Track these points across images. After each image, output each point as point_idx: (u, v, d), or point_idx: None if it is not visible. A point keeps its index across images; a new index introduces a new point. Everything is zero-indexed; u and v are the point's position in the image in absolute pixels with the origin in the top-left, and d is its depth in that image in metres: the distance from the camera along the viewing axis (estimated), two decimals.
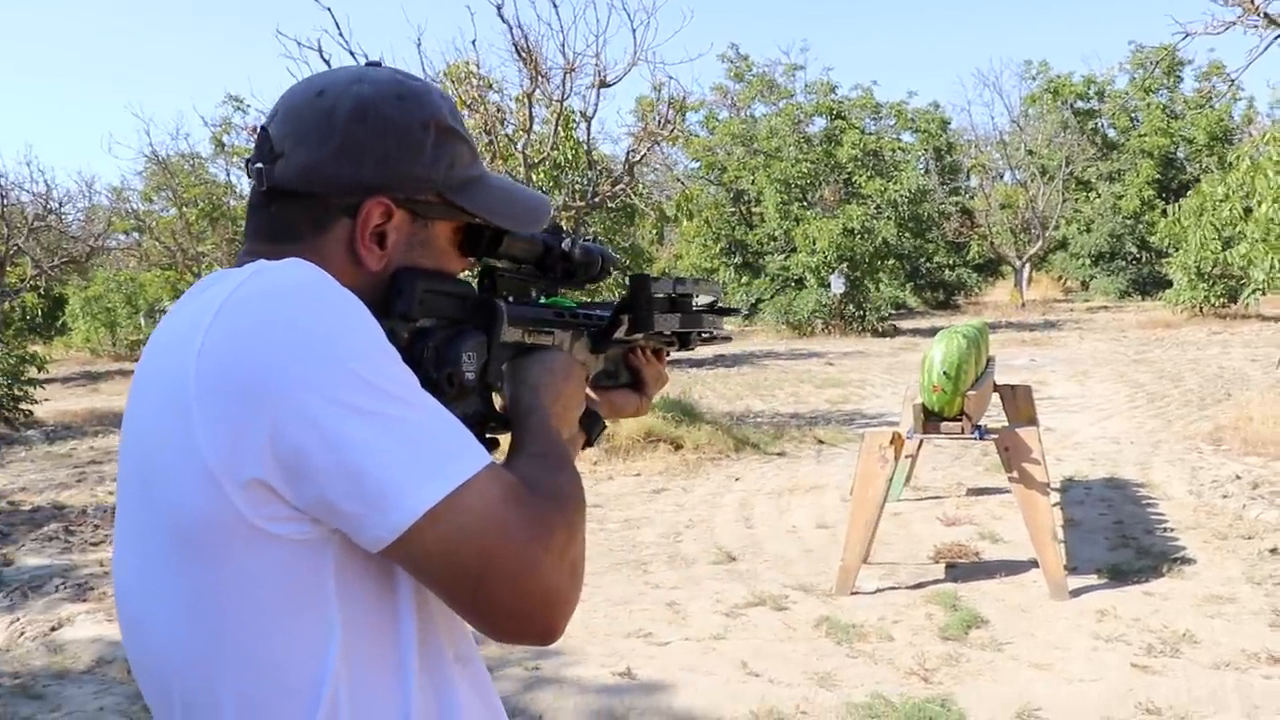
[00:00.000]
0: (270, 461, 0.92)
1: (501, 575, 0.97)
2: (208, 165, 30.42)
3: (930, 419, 5.93)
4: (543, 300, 1.35)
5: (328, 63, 10.18)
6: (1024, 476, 5.75)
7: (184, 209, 26.49)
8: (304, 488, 0.93)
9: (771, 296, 28.80)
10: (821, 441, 11.28)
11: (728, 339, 1.68)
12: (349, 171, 1.10)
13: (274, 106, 1.15)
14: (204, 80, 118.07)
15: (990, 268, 40.12)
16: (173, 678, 1.02)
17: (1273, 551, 6.48)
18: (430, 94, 1.17)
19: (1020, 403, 7.78)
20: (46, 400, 16.82)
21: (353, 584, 1.00)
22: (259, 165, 1.12)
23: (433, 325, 1.12)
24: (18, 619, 6.06)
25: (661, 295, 1.43)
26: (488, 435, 1.13)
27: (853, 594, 5.90)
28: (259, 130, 1.14)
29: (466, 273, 1.25)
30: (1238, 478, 8.47)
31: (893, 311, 29.17)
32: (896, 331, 27.39)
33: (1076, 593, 5.74)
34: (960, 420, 5.90)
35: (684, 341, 1.60)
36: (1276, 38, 10.26)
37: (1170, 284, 26.70)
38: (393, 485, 0.93)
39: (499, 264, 1.27)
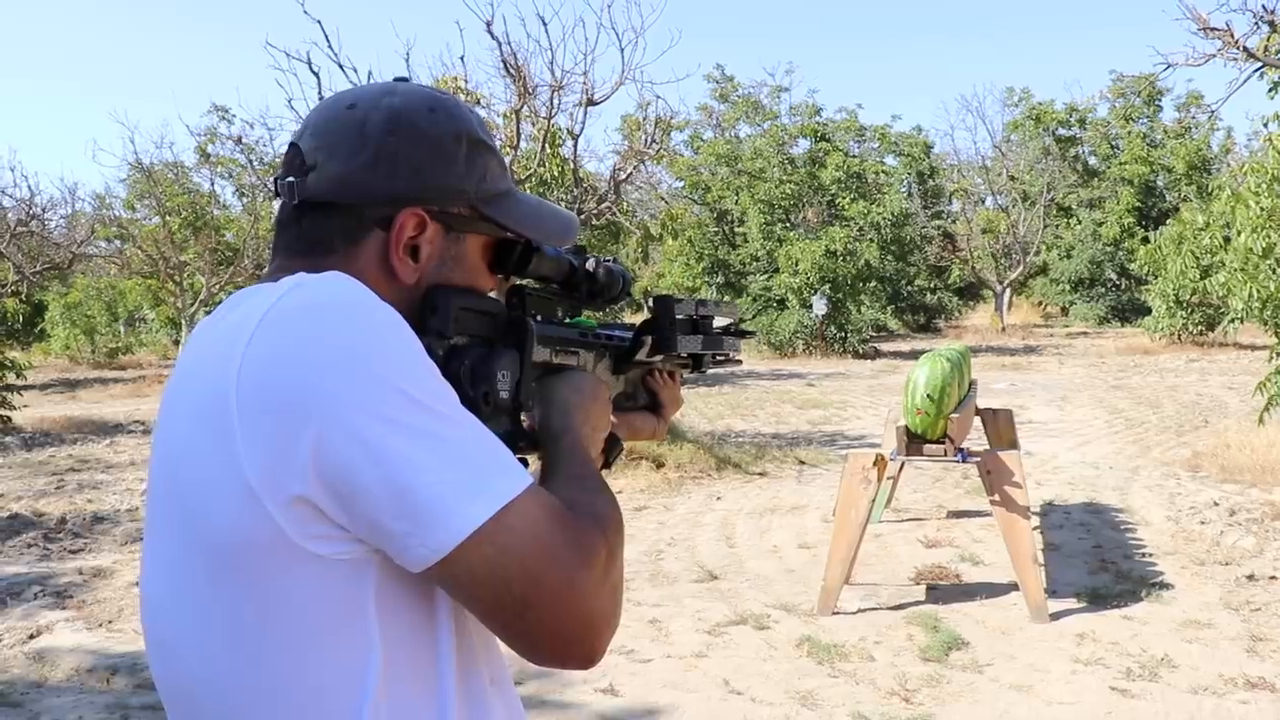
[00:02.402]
0: (314, 478, 0.91)
1: (546, 597, 0.95)
2: (191, 174, 30.42)
3: (913, 441, 5.96)
4: (566, 320, 1.36)
5: (316, 75, 10.21)
6: (1005, 500, 5.79)
7: (167, 218, 26.44)
8: (348, 505, 0.92)
9: (754, 317, 28.91)
10: (803, 462, 11.31)
11: (739, 363, 1.65)
12: (382, 182, 1.09)
13: (304, 122, 1.15)
14: (190, 89, 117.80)
15: (971, 292, 40.41)
16: (206, 702, 1.00)
17: (1249, 578, 6.54)
18: (460, 107, 1.17)
19: (1001, 427, 7.83)
20: (25, 407, 16.70)
21: (393, 605, 0.98)
22: (290, 179, 1.10)
23: (468, 343, 1.12)
24: None
25: (684, 317, 1.43)
26: (517, 455, 1.07)
27: (834, 614, 5.92)
28: (289, 147, 1.13)
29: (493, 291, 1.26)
30: (1215, 504, 8.54)
31: (874, 334, 29.32)
32: (878, 354, 27.52)
33: (1056, 616, 5.78)
34: (943, 443, 5.93)
35: (697, 363, 1.56)
36: (1256, 71, 10.40)
37: (1149, 311, 26.91)
38: (440, 504, 0.91)
39: (526, 283, 1.25)
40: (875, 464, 5.97)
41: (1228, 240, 9.51)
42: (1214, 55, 9.98)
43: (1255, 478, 9.51)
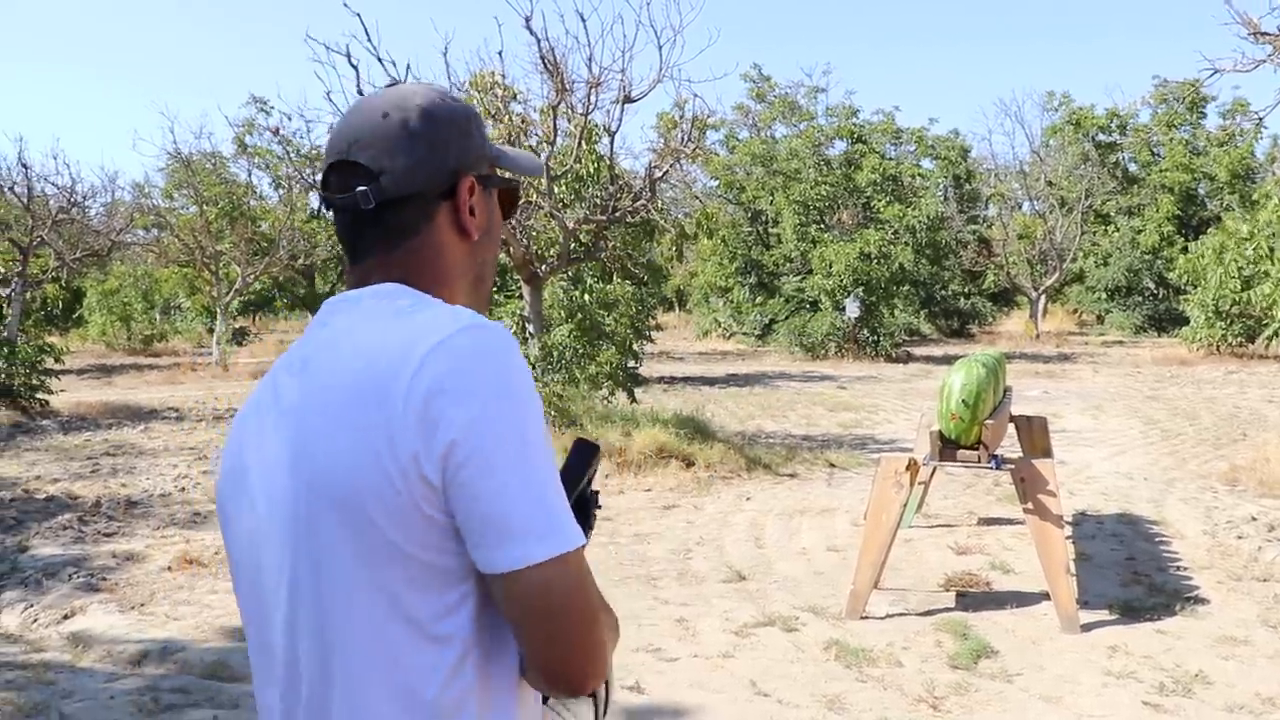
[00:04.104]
0: (440, 470, 1.16)
1: (574, 628, 1.19)
2: (229, 165, 30.63)
3: (947, 447, 5.92)
4: None
5: (355, 68, 10.26)
6: (1039, 508, 5.74)
7: (204, 207, 26.64)
8: (455, 498, 1.16)
9: (786, 318, 28.83)
10: (833, 465, 11.26)
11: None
12: (440, 162, 1.35)
13: (336, 145, 1.36)
14: (229, 81, 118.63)
15: (1005, 298, 40.10)
16: (325, 628, 1.22)
17: None
18: (453, 94, 1.44)
19: (1036, 434, 7.76)
20: (62, 391, 16.89)
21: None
22: (362, 189, 1.31)
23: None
24: (31, 606, 6.09)
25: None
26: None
27: (863, 618, 5.89)
28: (338, 165, 1.35)
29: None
30: (1254, 519, 8.43)
31: (906, 338, 29.16)
32: (910, 358, 27.35)
33: (1088, 627, 5.72)
34: (977, 449, 5.89)
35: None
36: None
37: (1187, 321, 26.58)
38: (521, 528, 1.15)
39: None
40: (908, 468, 5.94)
41: (1273, 251, 9.37)
42: (1264, 61, 9.81)
43: None
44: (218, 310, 26.08)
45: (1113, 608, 6.07)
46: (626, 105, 11.73)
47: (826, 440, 13.16)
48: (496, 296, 20.96)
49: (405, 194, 1.33)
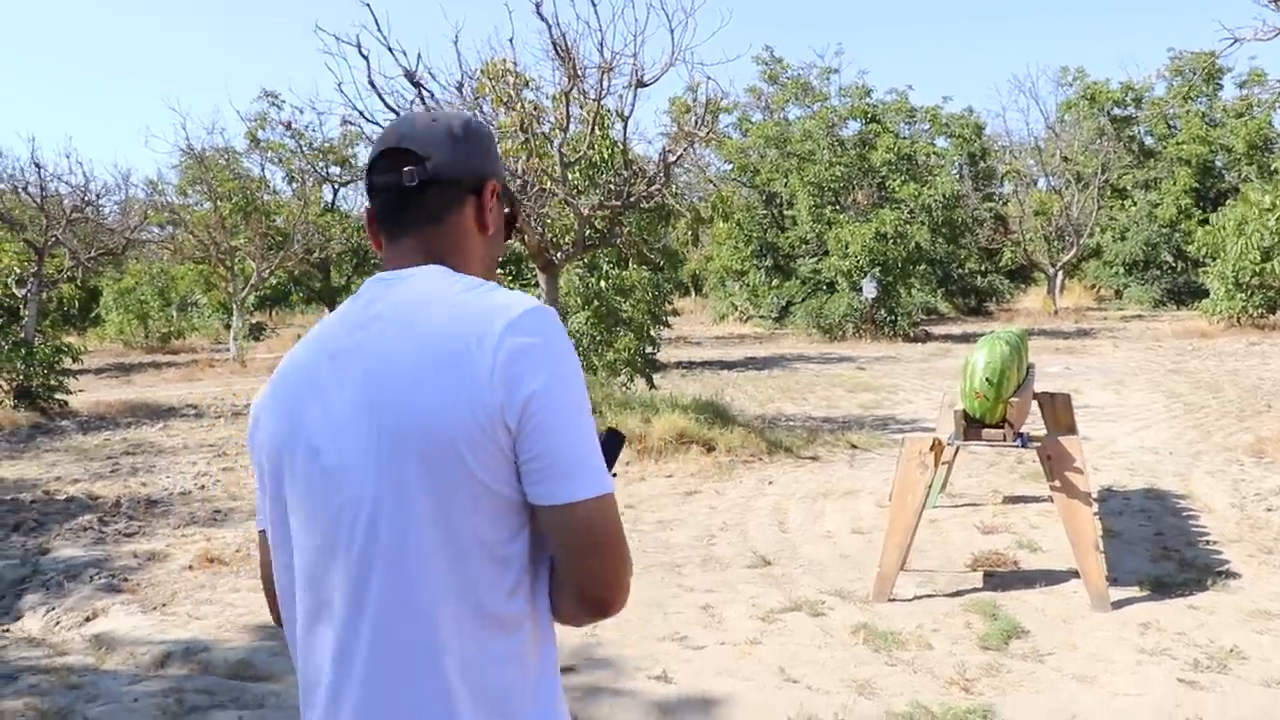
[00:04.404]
0: (518, 418, 1.41)
1: (611, 554, 1.46)
2: (242, 160, 30.66)
3: (971, 426, 5.84)
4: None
5: (366, 58, 10.18)
6: (1066, 486, 5.66)
7: (218, 203, 26.65)
8: (528, 441, 1.42)
9: (803, 300, 28.72)
10: (855, 446, 11.18)
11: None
12: (473, 163, 1.64)
13: (387, 138, 1.63)
14: (240, 75, 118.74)
15: (1022, 274, 39.83)
16: (411, 549, 1.43)
17: None
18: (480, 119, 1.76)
19: (1059, 411, 7.66)
20: (81, 391, 16.94)
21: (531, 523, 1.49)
22: (409, 168, 1.58)
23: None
24: (53, 609, 6.07)
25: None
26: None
27: (890, 601, 5.82)
28: (387, 153, 1.61)
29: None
30: None
31: (924, 317, 29.00)
32: (928, 337, 27.22)
33: (1118, 604, 5.64)
34: (1002, 428, 5.81)
35: None
36: None
37: (1206, 294, 26.35)
38: (577, 470, 1.43)
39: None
40: (932, 448, 5.86)
41: None
42: None
43: None
44: (234, 306, 26.12)
45: (1143, 584, 5.99)
46: (639, 90, 11.64)
47: (847, 422, 13.08)
48: (513, 285, 20.94)
49: (444, 179, 1.60)
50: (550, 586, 1.52)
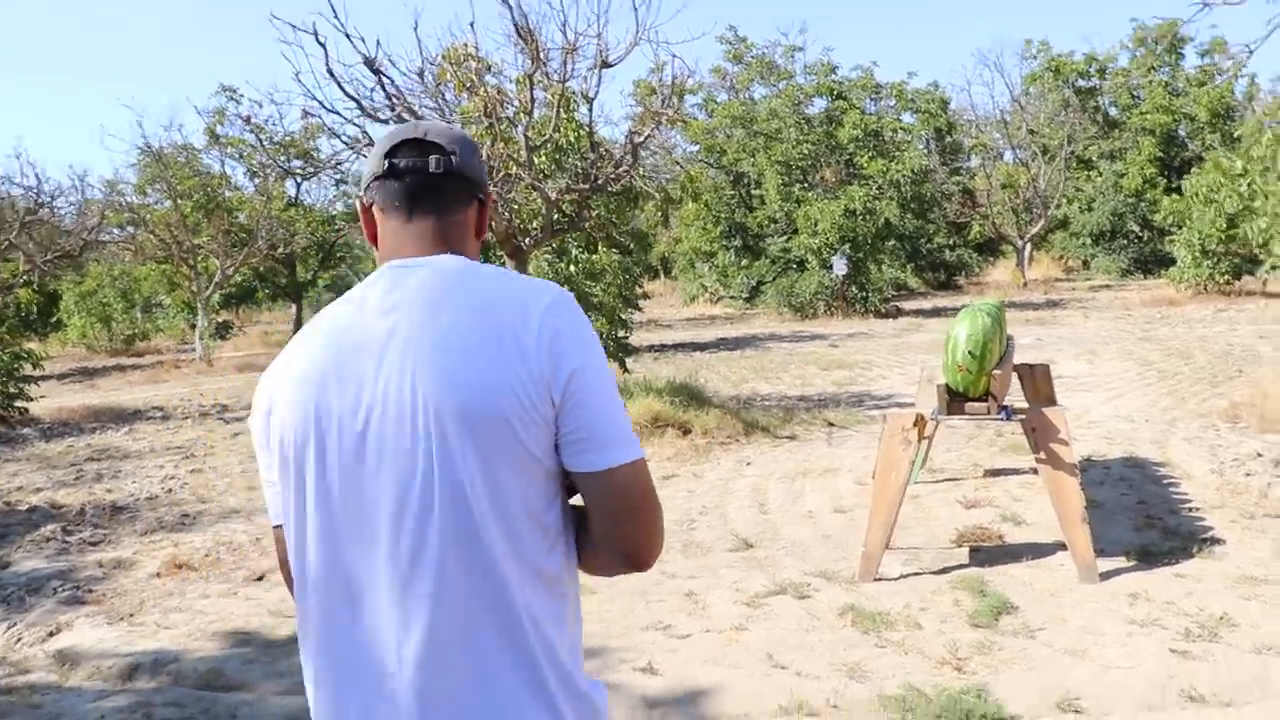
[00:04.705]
0: (562, 393, 1.53)
1: (649, 513, 1.59)
2: (202, 156, 30.20)
3: (955, 400, 5.74)
4: None
5: (323, 46, 9.96)
6: (1051, 457, 5.58)
7: (179, 201, 26.25)
8: (570, 414, 1.54)
9: (773, 279, 28.63)
10: (832, 424, 11.10)
11: None
12: (479, 171, 1.77)
13: (408, 130, 1.72)
14: (197, 70, 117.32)
15: (990, 248, 39.93)
16: (472, 514, 1.51)
17: None
18: None
19: (1039, 382, 7.56)
20: (43, 397, 16.63)
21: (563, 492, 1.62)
22: (438, 157, 1.69)
23: None
24: (15, 624, 5.87)
25: None
26: None
27: (876, 580, 5.72)
28: (417, 143, 1.70)
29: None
30: (1259, 455, 8.30)
31: (894, 293, 28.97)
32: (899, 312, 27.22)
33: (1106, 576, 5.57)
34: (985, 401, 5.71)
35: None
36: None
37: (1172, 262, 26.47)
38: (616, 438, 1.56)
39: None
40: (915, 424, 5.76)
41: (1265, 186, 9.18)
42: None
43: None
44: (199, 305, 25.76)
45: (1129, 554, 5.92)
46: (604, 70, 11.48)
47: (823, 399, 12.99)
48: None
49: (462, 175, 1.71)
50: (581, 545, 1.63)
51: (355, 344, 1.56)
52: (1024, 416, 5.68)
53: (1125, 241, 36.50)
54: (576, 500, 1.63)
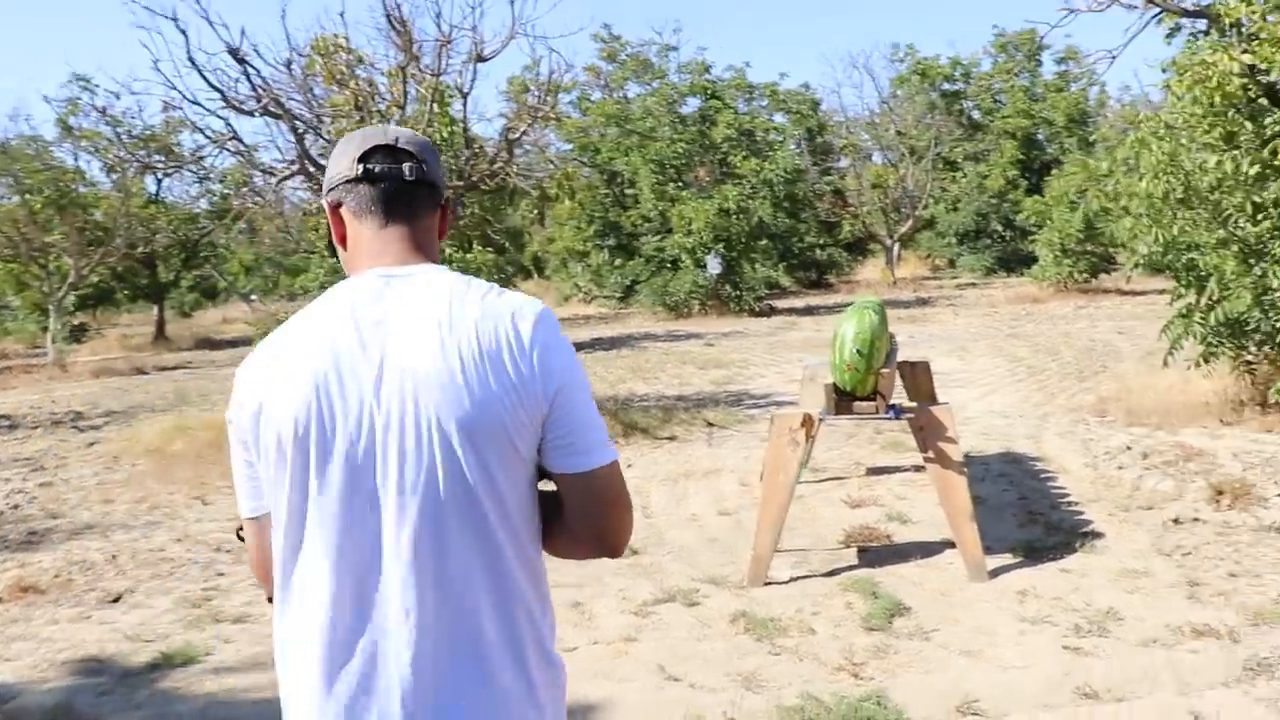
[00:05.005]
0: (551, 403, 1.63)
1: (623, 508, 1.72)
2: (53, 149, 28.78)
3: (843, 399, 5.68)
4: None
5: (184, 33, 9.49)
6: (939, 456, 5.56)
7: (27, 196, 24.96)
8: (554, 421, 1.65)
9: (647, 278, 28.57)
10: (711, 424, 11.03)
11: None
12: (442, 177, 1.84)
13: (377, 135, 1.77)
14: (44, 55, 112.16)
15: (859, 247, 40.58)
16: (488, 502, 1.63)
17: (1175, 522, 6.44)
18: None
19: (920, 380, 7.59)
20: None
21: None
22: (411, 164, 1.76)
23: None
24: None
25: None
26: None
27: (766, 584, 5.63)
28: (381, 147, 1.75)
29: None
30: (1128, 448, 8.49)
31: (767, 291, 29.20)
32: (773, 311, 27.44)
33: (995, 573, 5.58)
34: (873, 400, 5.66)
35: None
36: (1154, 17, 10.35)
37: (1034, 261, 27.30)
38: (597, 442, 1.68)
39: None
40: (803, 424, 5.68)
41: (1128, 186, 9.42)
42: (1114, 1, 9.88)
43: (1160, 420, 9.51)
44: (50, 307, 24.54)
45: (1015, 550, 5.95)
46: (479, 65, 11.23)
47: (701, 399, 12.93)
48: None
49: (431, 183, 1.80)
50: (555, 536, 1.74)
51: (352, 347, 1.63)
52: (912, 415, 5.65)
53: (989, 241, 37.52)
54: (543, 486, 1.74)
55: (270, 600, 1.72)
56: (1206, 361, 9.38)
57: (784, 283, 35.44)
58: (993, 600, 5.22)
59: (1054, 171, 28.94)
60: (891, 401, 5.71)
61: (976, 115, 40.05)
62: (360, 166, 1.74)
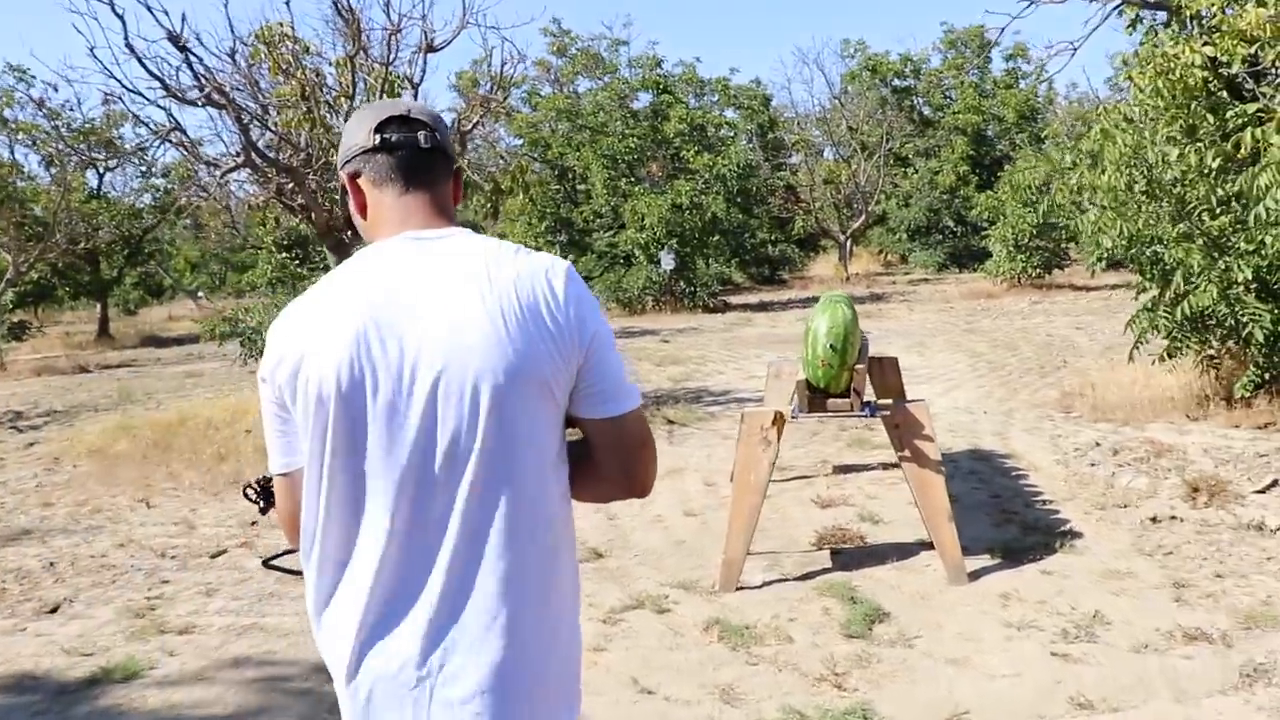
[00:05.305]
0: (586, 352, 1.74)
1: (650, 449, 1.84)
2: None
3: (816, 396, 5.47)
4: None
5: (121, 17, 9.09)
6: (916, 454, 5.36)
7: None
8: (588, 369, 1.75)
9: (600, 274, 28.30)
10: (671, 422, 10.80)
11: None
12: (453, 147, 1.92)
13: (392, 107, 1.85)
14: None
15: (811, 243, 40.53)
16: (511, 446, 1.69)
17: (1153, 520, 6.30)
18: None
19: (889, 376, 7.36)
20: None
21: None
22: (427, 133, 1.82)
23: None
24: None
25: None
26: None
27: (739, 589, 5.40)
28: (396, 118, 1.82)
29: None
30: (1097, 444, 8.37)
31: (720, 287, 29.05)
32: (727, 307, 27.29)
33: (974, 575, 5.39)
34: (847, 396, 5.46)
35: None
36: (1116, 8, 10.27)
37: (986, 257, 27.36)
38: (626, 389, 1.79)
39: None
40: (774, 423, 5.46)
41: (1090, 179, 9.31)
42: None
43: (1126, 415, 9.42)
44: None
45: (993, 551, 5.76)
46: (429, 55, 10.91)
47: (660, 396, 12.69)
48: (299, 269, 19.74)
49: (444, 151, 1.84)
50: (583, 478, 1.80)
51: (392, 305, 1.67)
52: (888, 413, 5.44)
53: (941, 237, 37.61)
54: (572, 435, 1.80)
55: (295, 551, 1.80)
56: (1171, 356, 9.30)
57: (737, 279, 35.32)
58: (975, 604, 5.03)
59: (1007, 167, 29.00)
60: (866, 398, 5.50)
61: (927, 111, 40.15)
62: (377, 137, 1.79)
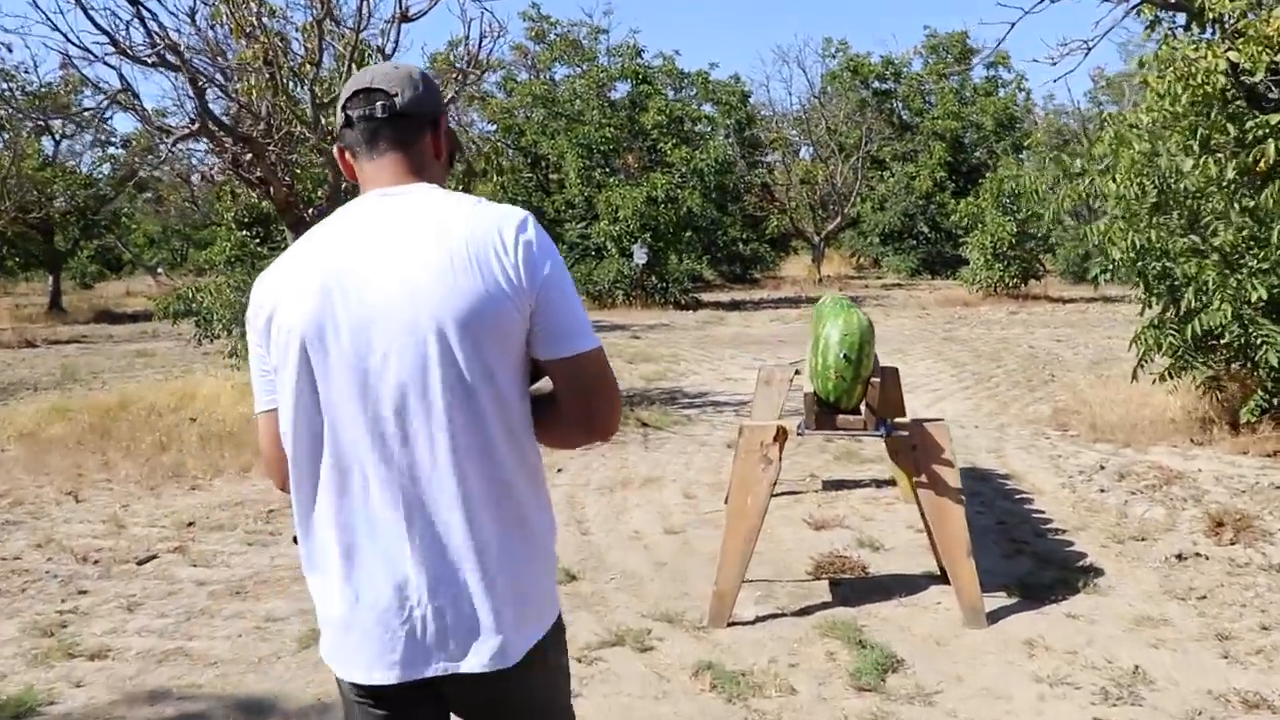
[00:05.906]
0: (538, 294, 1.79)
1: (610, 390, 1.88)
2: None
3: (825, 411, 4.88)
4: None
5: None
6: (934, 480, 4.79)
7: None
8: (543, 310, 1.80)
9: (571, 266, 27.66)
10: (646, 424, 10.19)
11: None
12: (430, 102, 1.98)
13: (359, 80, 1.95)
14: None
15: (783, 243, 40.09)
16: (479, 391, 1.79)
17: (1179, 558, 5.76)
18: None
19: (889, 388, 6.82)
20: None
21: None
22: (382, 103, 1.90)
23: None
24: None
25: None
26: None
27: (730, 625, 4.80)
28: (365, 93, 1.92)
29: None
30: (1101, 468, 7.87)
31: (691, 284, 28.50)
32: (699, 304, 26.73)
33: (992, 617, 4.82)
34: (859, 413, 4.88)
35: None
36: (1134, 7, 9.79)
37: (959, 264, 26.95)
38: (581, 329, 1.83)
39: None
40: (776, 439, 4.87)
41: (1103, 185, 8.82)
42: None
43: (1127, 436, 8.93)
44: None
45: (1010, 589, 5.20)
46: (404, 25, 10.24)
47: (632, 396, 12.07)
48: (260, 249, 18.95)
49: (409, 113, 1.93)
50: (549, 423, 1.88)
51: (354, 255, 1.80)
52: (906, 433, 4.87)
53: (915, 242, 37.27)
54: (536, 387, 1.88)
55: (284, 490, 1.92)
56: (1174, 376, 8.81)
57: (708, 276, 34.79)
58: (997, 652, 4.46)
59: (989, 174, 28.58)
60: (882, 416, 4.92)
61: (906, 115, 39.78)
62: (344, 114, 1.93)
